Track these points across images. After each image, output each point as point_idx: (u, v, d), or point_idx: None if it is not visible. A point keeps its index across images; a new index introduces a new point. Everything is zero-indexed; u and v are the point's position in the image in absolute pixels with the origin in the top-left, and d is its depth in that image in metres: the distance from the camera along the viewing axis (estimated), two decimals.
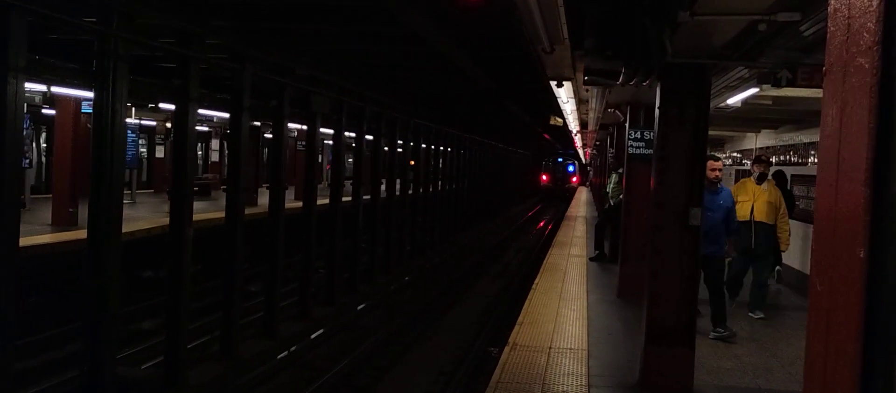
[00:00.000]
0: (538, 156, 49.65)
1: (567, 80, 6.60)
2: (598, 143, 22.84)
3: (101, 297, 6.95)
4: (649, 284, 5.25)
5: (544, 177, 50.52)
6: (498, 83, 12.50)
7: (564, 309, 8.35)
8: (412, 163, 20.31)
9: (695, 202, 5.10)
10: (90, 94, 8.06)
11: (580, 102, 9.89)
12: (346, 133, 14.83)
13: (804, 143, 10.88)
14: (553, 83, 6.80)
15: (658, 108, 5.18)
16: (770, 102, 8.00)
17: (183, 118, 8.32)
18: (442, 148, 24.02)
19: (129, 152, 20.27)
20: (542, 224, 36.20)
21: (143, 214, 15.01)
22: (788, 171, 11.40)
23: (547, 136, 35.04)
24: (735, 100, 7.20)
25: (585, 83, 6.11)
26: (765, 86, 5.60)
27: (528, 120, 21.94)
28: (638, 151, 8.95)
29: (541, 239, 27.79)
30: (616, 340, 7.08)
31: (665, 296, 5.19)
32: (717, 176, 6.79)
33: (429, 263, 20.50)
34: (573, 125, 15.56)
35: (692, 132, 5.11)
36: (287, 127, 10.99)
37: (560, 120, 15.81)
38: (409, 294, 16.50)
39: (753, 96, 7.47)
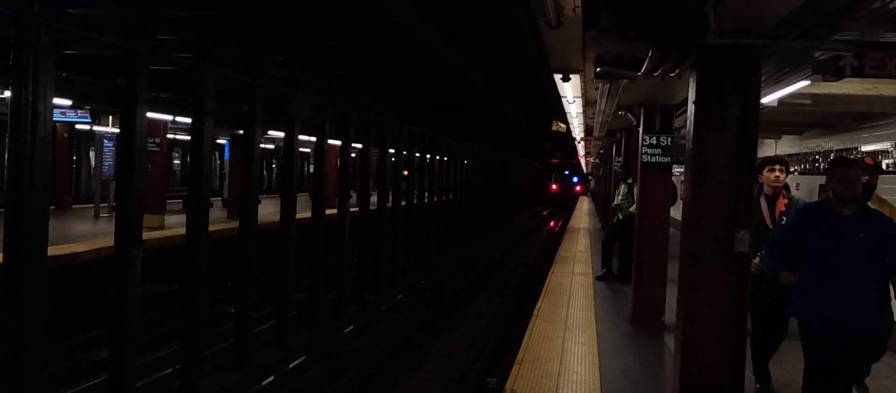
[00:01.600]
0: (548, 168, 56.63)
1: (575, 72, 5.50)
2: (601, 151, 21.69)
3: (16, 334, 5.81)
4: (683, 328, 4.11)
5: (553, 186, 58.39)
6: (495, 79, 11.36)
7: (571, 342, 7.20)
8: (406, 173, 19.21)
9: (741, 222, 3.96)
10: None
11: (587, 105, 8.78)
12: (331, 141, 13.74)
13: (837, 150, 9.75)
14: (558, 78, 5.69)
15: (693, 102, 4.05)
16: (809, 102, 6.88)
17: (129, 123, 7.20)
18: (438, 157, 22.90)
19: (106, 164, 19.34)
20: (544, 233, 35.29)
21: (107, 231, 13.92)
22: (816, 180, 10.28)
23: (549, 145, 35.12)
24: (773, 98, 6.05)
25: (597, 77, 4.99)
26: (819, 77, 4.48)
27: (529, 126, 20.80)
28: (653, 159, 7.83)
29: (543, 250, 26.67)
30: (634, 383, 5.93)
31: (703, 344, 4.05)
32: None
33: (423, 280, 19.36)
34: (577, 131, 14.41)
35: (738, 133, 3.99)
36: (259, 133, 9.86)
37: (563, 125, 14.65)
38: (400, 315, 15.34)
39: (792, 95, 6.35)
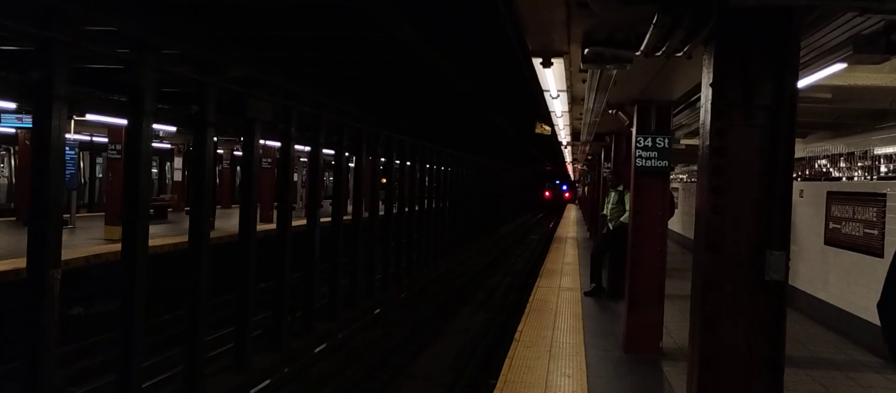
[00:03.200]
0: (542, 178, 66.79)
1: (558, 56, 4.58)
2: (589, 157, 20.80)
3: None
4: (699, 377, 3.17)
5: (547, 193, 69.46)
6: (469, 70, 10.42)
7: (556, 373, 6.26)
8: (384, 181, 18.27)
9: (775, 241, 3.04)
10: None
11: (573, 103, 7.85)
12: (300, 147, 12.78)
13: (846, 154, 8.87)
14: (538, 64, 4.77)
15: (710, 85, 3.13)
16: (829, 96, 5.99)
17: (43, 122, 6.21)
18: (419, 164, 21.96)
19: (68, 172, 18.27)
20: (531, 243, 34.49)
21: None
22: (823, 186, 9.42)
23: (536, 152, 35.28)
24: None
25: (585, 61, 4.06)
26: (857, 58, 3.57)
27: (512, 131, 19.90)
28: (648, 164, 6.93)
29: (530, 261, 25.78)
30: None
31: None
32: None
33: (404, 293, 18.38)
34: (563, 134, 13.46)
35: (767, 126, 3.07)
36: (212, 137, 8.87)
37: (547, 128, 13.69)
38: (377, 331, 14.34)
39: (811, 87, 5.46)
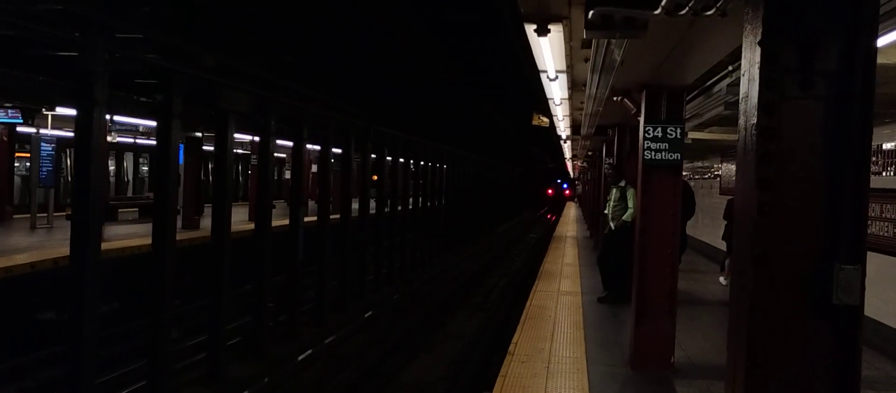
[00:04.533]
0: (546, 178, 74.23)
1: (556, 21, 3.81)
2: (590, 153, 19.99)
3: None
4: None
5: (550, 191, 77.24)
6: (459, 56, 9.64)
7: None
8: (375, 178, 17.50)
9: (845, 252, 2.28)
10: None
11: (574, 88, 7.07)
12: (282, 142, 12.02)
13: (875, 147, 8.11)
14: (531, 30, 4.00)
15: (759, 43, 2.35)
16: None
17: None
18: (414, 161, 21.18)
19: (44, 169, 17.48)
20: (530, 242, 33.81)
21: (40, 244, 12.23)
22: None
23: (535, 149, 35.27)
24: None
25: (590, 27, 3.29)
26: None
27: (506, 124, 19.13)
28: (658, 157, 6.16)
29: (529, 260, 25.02)
30: None
31: None
32: None
33: (397, 295, 17.62)
34: (562, 126, 12.62)
35: (836, 96, 2.30)
36: (178, 129, 8.09)
37: (545, 119, 12.83)
38: (366, 336, 13.59)
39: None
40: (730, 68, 5.95)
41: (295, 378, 10.87)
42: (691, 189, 10.70)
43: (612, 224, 9.60)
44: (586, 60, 5.33)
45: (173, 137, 7.98)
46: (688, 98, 6.82)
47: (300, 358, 11.74)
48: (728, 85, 6.47)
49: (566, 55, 5.19)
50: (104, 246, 12.20)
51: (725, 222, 11.10)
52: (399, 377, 11.39)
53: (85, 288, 6.66)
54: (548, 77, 5.95)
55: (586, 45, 4.98)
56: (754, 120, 2.40)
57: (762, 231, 2.37)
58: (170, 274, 7.98)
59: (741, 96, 2.56)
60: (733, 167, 14.08)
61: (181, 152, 21.90)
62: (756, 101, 2.38)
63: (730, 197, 11.93)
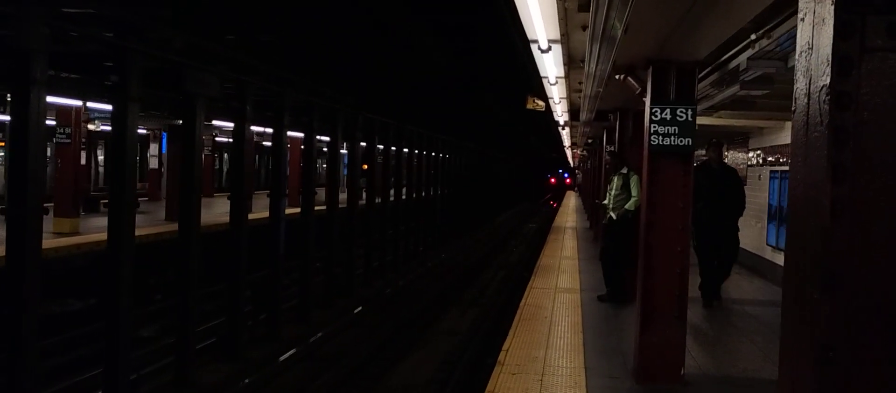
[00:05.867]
0: (548, 167, 79.21)
1: None
2: (589, 140, 19.21)
3: None
4: None
5: (552, 180, 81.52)
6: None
7: None
8: (365, 167, 16.78)
9: None
10: None
11: (571, 65, 6.31)
12: (261, 129, 11.28)
13: None
14: None
15: None
16: None
17: None
18: (407, 150, 20.45)
19: None
20: (528, 233, 33.18)
21: None
22: None
23: (533, 138, 34.81)
24: None
25: None
26: None
27: (500, 109, 18.39)
28: (666, 142, 5.42)
29: (526, 252, 24.33)
30: None
31: None
32: None
33: (389, 288, 16.93)
34: (560, 110, 11.84)
35: None
36: (135, 113, 7.34)
37: (540, 102, 12.01)
38: (354, 334, 12.91)
39: None
40: (753, 37, 5.19)
41: (276, 380, 10.20)
42: (740, 178, 9.39)
43: (612, 214, 8.85)
44: (584, 28, 4.58)
45: (130, 122, 7.24)
46: (701, 75, 6.07)
47: (282, 358, 11.07)
48: (748, 58, 5.71)
49: (560, 19, 4.44)
50: (80, 240, 11.60)
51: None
52: (386, 379, 10.72)
53: (24, 286, 5.95)
54: (539, 48, 5.18)
55: (584, 6, 4.23)
56: (823, 81, 1.66)
57: (835, 241, 1.63)
58: (127, 269, 7.26)
59: (799, 50, 1.82)
60: (739, 155, 13.29)
61: (165, 141, 21.47)
62: (828, 53, 1.64)
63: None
